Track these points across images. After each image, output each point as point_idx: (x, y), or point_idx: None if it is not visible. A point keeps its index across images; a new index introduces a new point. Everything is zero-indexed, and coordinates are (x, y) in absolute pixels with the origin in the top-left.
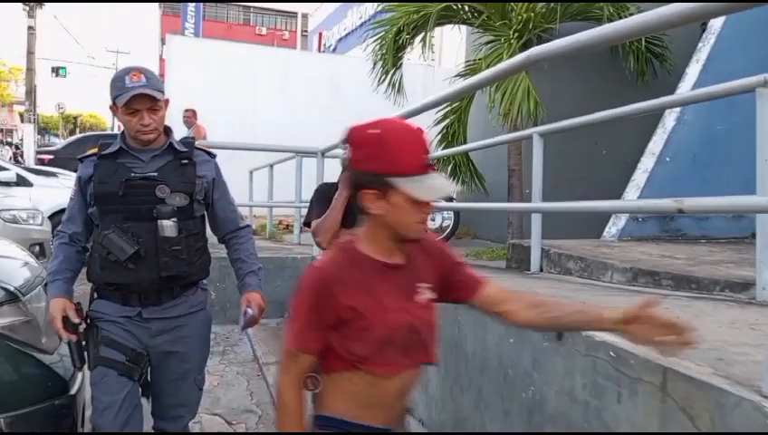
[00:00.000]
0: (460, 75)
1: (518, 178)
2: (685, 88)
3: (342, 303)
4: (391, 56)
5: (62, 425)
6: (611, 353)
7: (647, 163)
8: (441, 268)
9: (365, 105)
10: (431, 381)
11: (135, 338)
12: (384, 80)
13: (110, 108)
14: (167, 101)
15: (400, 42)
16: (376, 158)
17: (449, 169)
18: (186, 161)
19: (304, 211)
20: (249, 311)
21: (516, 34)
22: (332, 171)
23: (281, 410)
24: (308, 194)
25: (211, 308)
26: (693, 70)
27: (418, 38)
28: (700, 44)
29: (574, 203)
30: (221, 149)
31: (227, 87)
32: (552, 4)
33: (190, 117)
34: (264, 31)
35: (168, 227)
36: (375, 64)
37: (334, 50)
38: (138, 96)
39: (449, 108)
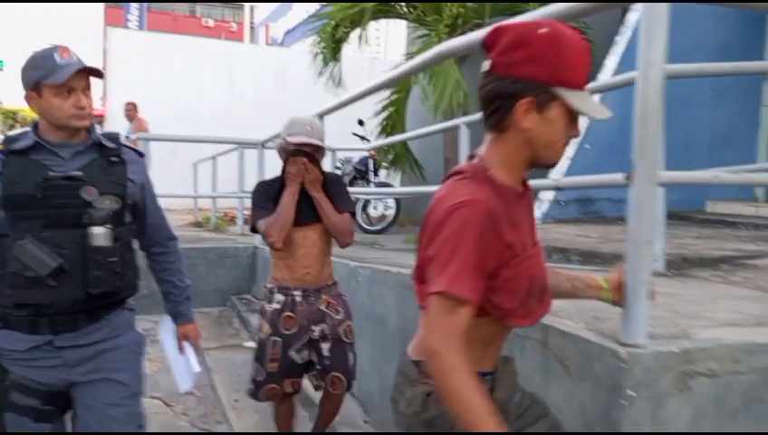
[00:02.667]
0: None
1: (453, 167)
2: (603, 79)
3: (505, 240)
4: (330, 49)
5: None
6: None
7: (568, 151)
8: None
9: (311, 97)
10: (361, 355)
11: (49, 372)
12: (324, 72)
13: (27, 96)
14: None
15: (339, 35)
16: (544, 62)
17: (390, 159)
18: (115, 159)
19: (247, 202)
20: (195, 368)
21: (447, 29)
22: (273, 156)
23: (455, 384)
24: (250, 184)
25: (141, 331)
26: (611, 62)
27: (356, 32)
28: (618, 38)
29: None
30: (163, 141)
31: (172, 80)
32: None
33: (131, 110)
34: (210, 23)
35: (100, 235)
36: (315, 57)
37: (282, 43)
38: (77, 72)
39: (388, 100)
